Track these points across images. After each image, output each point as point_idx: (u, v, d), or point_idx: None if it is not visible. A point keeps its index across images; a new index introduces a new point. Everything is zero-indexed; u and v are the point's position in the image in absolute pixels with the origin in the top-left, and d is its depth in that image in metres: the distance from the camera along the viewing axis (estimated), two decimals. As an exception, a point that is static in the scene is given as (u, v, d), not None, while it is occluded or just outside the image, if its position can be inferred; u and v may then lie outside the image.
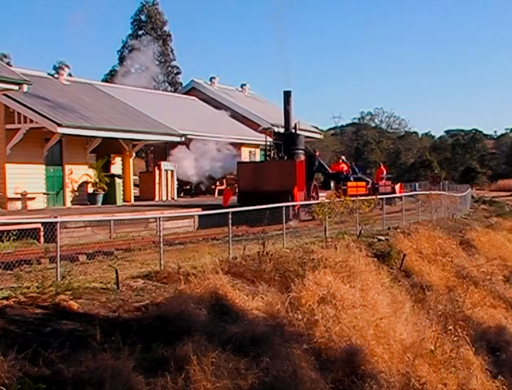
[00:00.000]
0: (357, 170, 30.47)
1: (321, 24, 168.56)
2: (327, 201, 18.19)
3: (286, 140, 24.35)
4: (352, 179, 28.18)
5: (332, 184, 26.33)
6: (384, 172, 34.14)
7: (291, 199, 21.06)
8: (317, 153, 27.17)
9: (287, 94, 25.62)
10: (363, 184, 28.48)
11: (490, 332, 14.69)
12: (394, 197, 26.20)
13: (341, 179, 27.49)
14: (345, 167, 29.36)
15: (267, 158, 24.95)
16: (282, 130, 26.31)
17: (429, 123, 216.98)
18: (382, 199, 23.27)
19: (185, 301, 9.03)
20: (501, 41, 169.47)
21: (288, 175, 22.46)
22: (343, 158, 31.46)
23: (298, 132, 25.50)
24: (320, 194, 24.60)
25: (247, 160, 26.02)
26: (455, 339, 11.46)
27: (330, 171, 28.15)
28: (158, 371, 7.28)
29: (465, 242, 22.34)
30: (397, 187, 31.85)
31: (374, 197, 23.95)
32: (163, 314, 8.53)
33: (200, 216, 19.82)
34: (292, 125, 25.14)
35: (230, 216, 13.80)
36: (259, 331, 8.80)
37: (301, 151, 24.79)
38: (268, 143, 24.53)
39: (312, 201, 21.44)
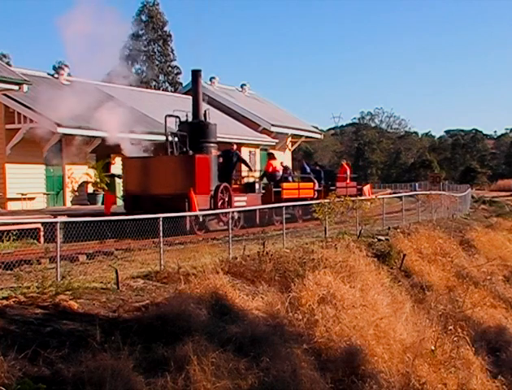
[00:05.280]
0: (308, 169, 25.61)
1: (321, 24, 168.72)
2: (327, 201, 17.98)
3: (192, 131, 19.06)
4: (291, 179, 23.63)
5: (258, 186, 21.32)
6: (348, 171, 28.79)
7: (188, 205, 17.02)
8: (234, 147, 21.36)
9: (195, 74, 20.52)
10: (309, 185, 23.92)
11: (490, 332, 14.69)
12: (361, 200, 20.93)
13: (277, 181, 22.57)
14: (274, 166, 23.51)
15: (161, 153, 19.71)
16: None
17: (429, 123, 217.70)
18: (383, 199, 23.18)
19: (185, 301, 9.03)
20: (502, 40, 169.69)
21: (185, 175, 17.87)
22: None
23: (209, 121, 20.17)
24: (239, 198, 19.89)
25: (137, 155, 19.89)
26: (455, 339, 11.47)
27: (253, 169, 22.98)
28: (158, 371, 7.28)
29: (465, 242, 22.34)
30: (366, 189, 27.41)
31: (373, 197, 23.68)
32: (163, 314, 8.53)
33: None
34: (202, 112, 20.01)
35: (230, 215, 13.79)
36: (259, 331, 8.80)
37: (212, 144, 19.61)
38: (169, 135, 18.90)
39: (225, 210, 17.45)
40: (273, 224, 19.64)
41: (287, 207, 18.17)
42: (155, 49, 69.75)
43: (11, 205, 22.52)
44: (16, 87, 21.37)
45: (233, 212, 17.49)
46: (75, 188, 25.12)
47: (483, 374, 11.67)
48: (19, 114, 22.84)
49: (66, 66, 28.65)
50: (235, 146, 21.56)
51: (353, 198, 19.88)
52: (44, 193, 23.82)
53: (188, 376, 7.31)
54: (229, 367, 7.70)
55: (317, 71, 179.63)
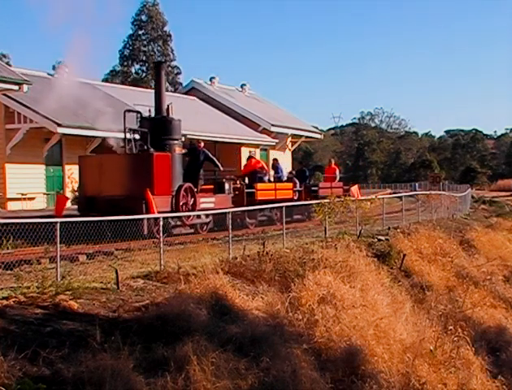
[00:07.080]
0: (281, 169, 24.52)
1: (321, 24, 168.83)
2: (327, 201, 17.93)
3: (154, 128, 17.50)
4: (267, 180, 22.43)
5: (228, 186, 19.37)
6: (337, 172, 27.37)
7: (146, 207, 15.59)
8: (201, 145, 19.43)
9: (158, 66, 19.34)
10: (288, 185, 22.65)
11: (490, 332, 14.69)
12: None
13: (253, 181, 21.37)
14: (249, 163, 22.71)
15: (116, 151, 18.09)
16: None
17: (429, 123, 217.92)
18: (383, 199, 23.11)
19: (185, 301, 9.03)
20: (502, 40, 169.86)
21: (143, 174, 16.38)
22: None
23: (172, 117, 18.28)
24: (206, 199, 18.19)
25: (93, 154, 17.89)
26: (455, 339, 11.46)
27: (222, 168, 20.63)
28: (158, 371, 7.28)
29: (465, 242, 22.33)
30: (353, 189, 25.11)
31: (373, 197, 23.58)
32: (163, 314, 8.53)
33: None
34: (165, 107, 18.26)
35: (230, 215, 13.81)
36: (259, 331, 8.80)
37: (176, 142, 17.97)
38: (128, 133, 17.29)
39: (189, 213, 16.28)
40: (247, 227, 18.76)
41: (262, 209, 17.48)
42: (155, 49, 69.82)
43: (11, 205, 22.54)
44: (16, 87, 21.41)
45: (200, 214, 16.66)
46: (76, 188, 25.11)
47: (483, 374, 11.67)
48: (19, 114, 22.87)
49: (66, 66, 28.69)
50: (202, 144, 19.67)
51: (352, 198, 19.89)
52: (44, 193, 23.84)
53: (188, 376, 7.31)
54: (229, 367, 7.70)
55: (317, 71, 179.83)
